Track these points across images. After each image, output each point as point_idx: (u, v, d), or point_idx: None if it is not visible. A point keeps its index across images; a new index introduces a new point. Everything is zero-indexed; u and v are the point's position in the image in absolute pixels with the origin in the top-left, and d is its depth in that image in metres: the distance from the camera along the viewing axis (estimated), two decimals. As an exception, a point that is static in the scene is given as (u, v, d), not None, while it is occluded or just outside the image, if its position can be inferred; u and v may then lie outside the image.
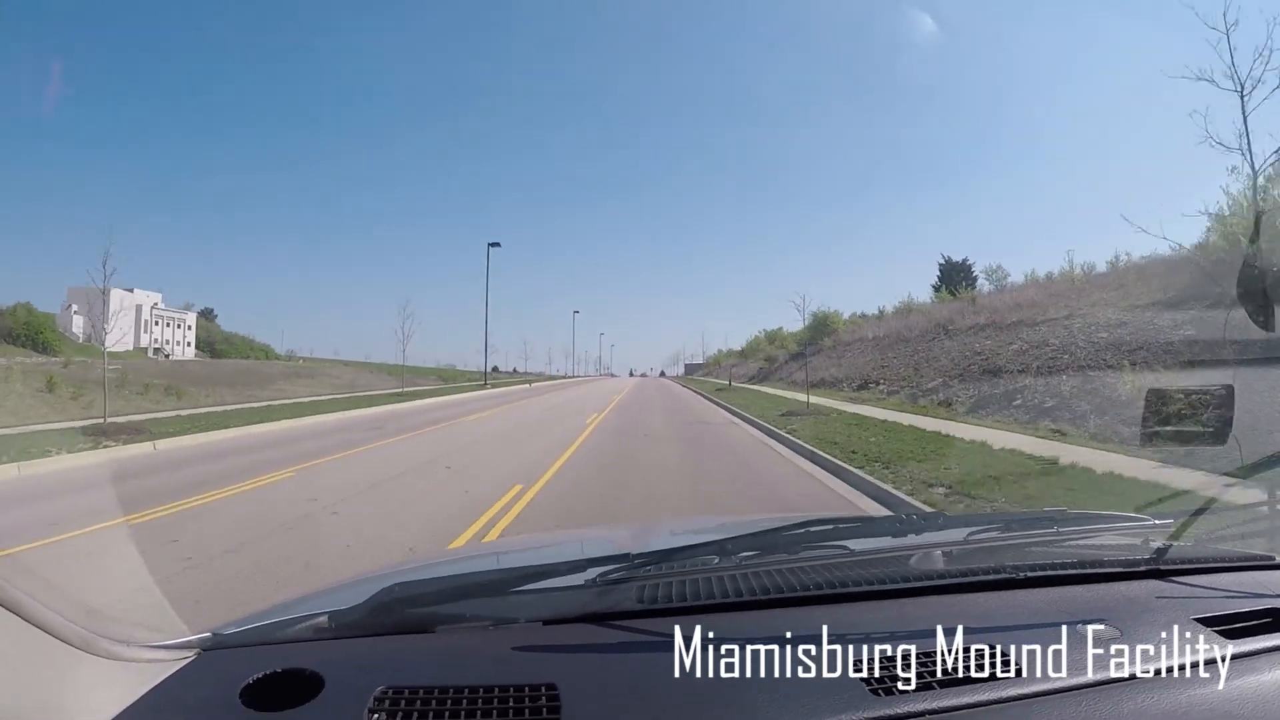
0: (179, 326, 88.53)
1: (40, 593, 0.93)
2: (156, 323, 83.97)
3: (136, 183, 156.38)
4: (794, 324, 72.67)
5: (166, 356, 73.70)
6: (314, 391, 40.39)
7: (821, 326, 42.62)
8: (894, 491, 7.76)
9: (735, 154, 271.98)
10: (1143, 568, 1.43)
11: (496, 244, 46.78)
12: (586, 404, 27.12)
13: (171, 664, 1.03)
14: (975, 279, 40.38)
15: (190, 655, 1.07)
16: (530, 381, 62.85)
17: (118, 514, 6.91)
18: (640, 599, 1.21)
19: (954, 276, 41.65)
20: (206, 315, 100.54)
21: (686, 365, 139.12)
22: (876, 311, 44.61)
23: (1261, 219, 10.31)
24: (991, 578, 1.33)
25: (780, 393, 31.49)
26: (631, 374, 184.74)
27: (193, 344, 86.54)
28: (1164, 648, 1.09)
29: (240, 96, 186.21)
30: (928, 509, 6.21)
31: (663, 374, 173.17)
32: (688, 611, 1.18)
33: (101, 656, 0.95)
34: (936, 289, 40.68)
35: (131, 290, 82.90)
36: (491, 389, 43.07)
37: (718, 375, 67.54)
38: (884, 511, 7.17)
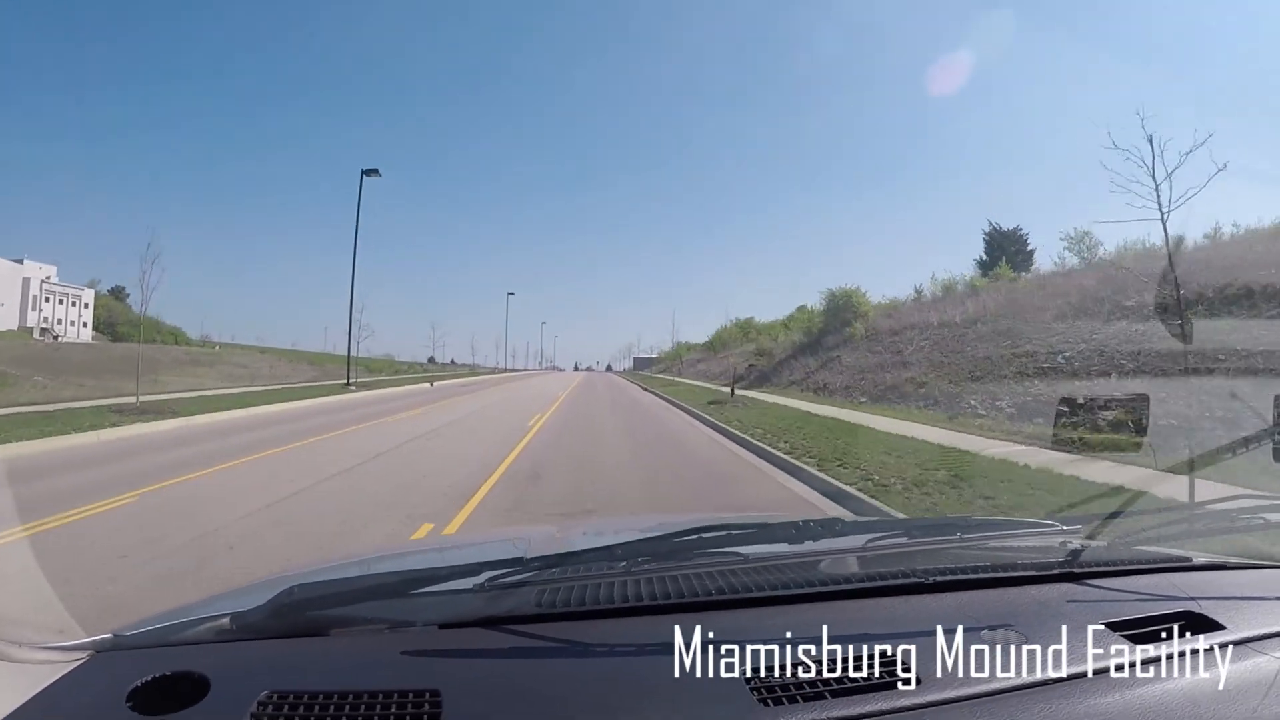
0: (74, 304, 78.68)
1: None
2: (48, 299, 74.67)
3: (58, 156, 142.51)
4: (777, 311, 66.57)
5: (55, 338, 65.79)
6: (193, 382, 34.43)
7: (840, 311, 31.11)
8: None
9: (695, 130, 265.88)
10: (1055, 571, 1.38)
11: (373, 171, 29.77)
12: (476, 439, 12.77)
13: (64, 665, 1.00)
14: (1031, 251, 33.10)
15: (84, 657, 1.04)
16: (432, 380, 43.57)
17: None
18: (538, 604, 1.18)
19: (1004, 248, 33.74)
20: (117, 294, 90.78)
21: (636, 359, 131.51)
22: (914, 293, 31.86)
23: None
24: (895, 583, 1.29)
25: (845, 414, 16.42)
26: (577, 368, 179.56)
27: (90, 324, 77.61)
28: (1070, 653, 1.06)
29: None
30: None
31: (609, 368, 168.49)
32: (582, 617, 1.17)
33: None
34: (984, 264, 33.53)
35: (20, 261, 74.73)
36: (357, 393, 26.94)
37: (679, 372, 60.06)
38: None
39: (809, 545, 1.44)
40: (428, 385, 38.47)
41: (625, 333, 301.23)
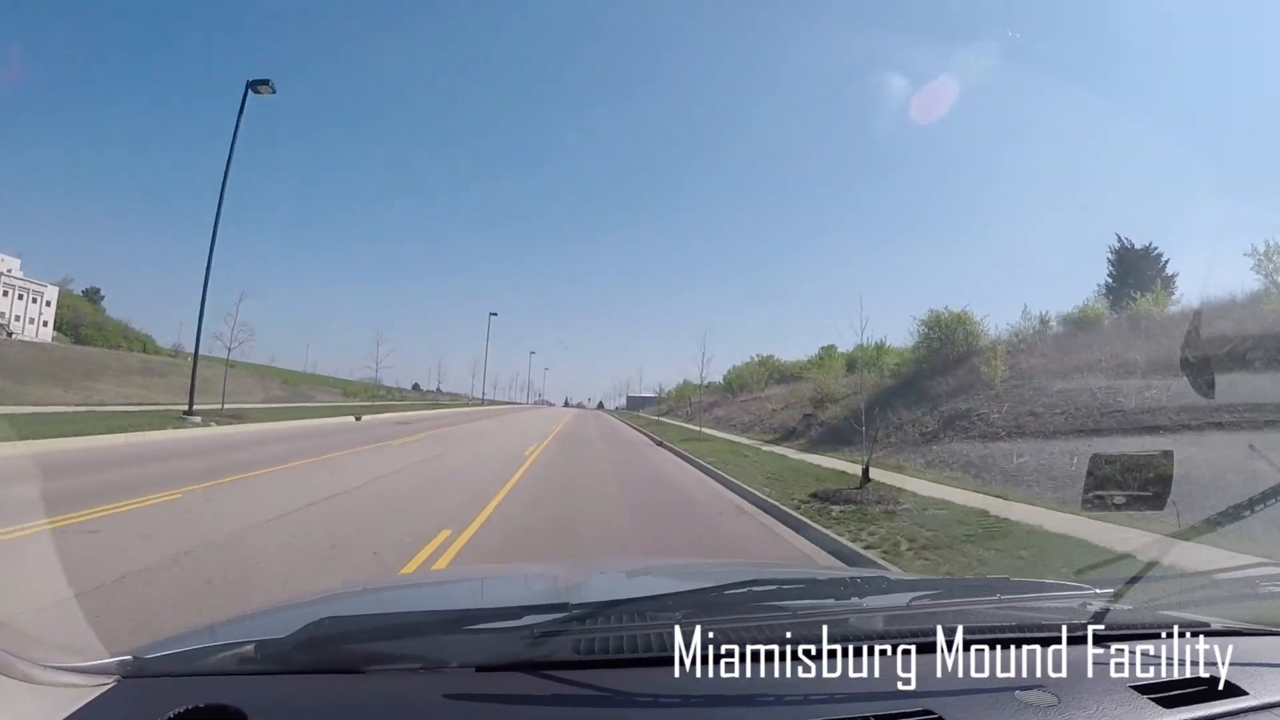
0: (35, 301, 72.32)
1: None
2: (6, 293, 68.68)
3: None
4: (795, 352, 56.23)
5: (10, 334, 60.01)
6: (130, 394, 30.81)
7: (947, 343, 22.57)
8: None
9: (701, 166, 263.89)
10: (1080, 632, 1.38)
11: (264, 85, 19.68)
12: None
13: (89, 690, 0.98)
14: (1171, 277, 25.53)
15: (109, 682, 1.02)
16: (359, 414, 30.73)
17: None
18: (577, 650, 1.15)
19: (1137, 269, 26.90)
20: (90, 296, 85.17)
21: (630, 398, 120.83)
22: (1039, 319, 22.74)
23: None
24: (930, 640, 1.27)
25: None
26: (568, 404, 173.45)
27: (50, 323, 71.56)
28: (1102, 716, 1.07)
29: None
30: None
31: (600, 406, 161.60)
32: (626, 664, 1.15)
33: (16, 679, 0.92)
34: (1110, 290, 27.00)
35: (-20, 252, 69.91)
36: (197, 431, 17.48)
37: (688, 415, 50.18)
38: None
39: (854, 601, 1.43)
40: (352, 419, 28.29)
41: (618, 369, 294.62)
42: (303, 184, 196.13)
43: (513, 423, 37.49)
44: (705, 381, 51.86)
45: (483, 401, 76.96)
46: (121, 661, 1.05)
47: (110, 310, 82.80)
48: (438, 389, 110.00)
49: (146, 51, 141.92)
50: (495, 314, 71.92)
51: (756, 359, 53.55)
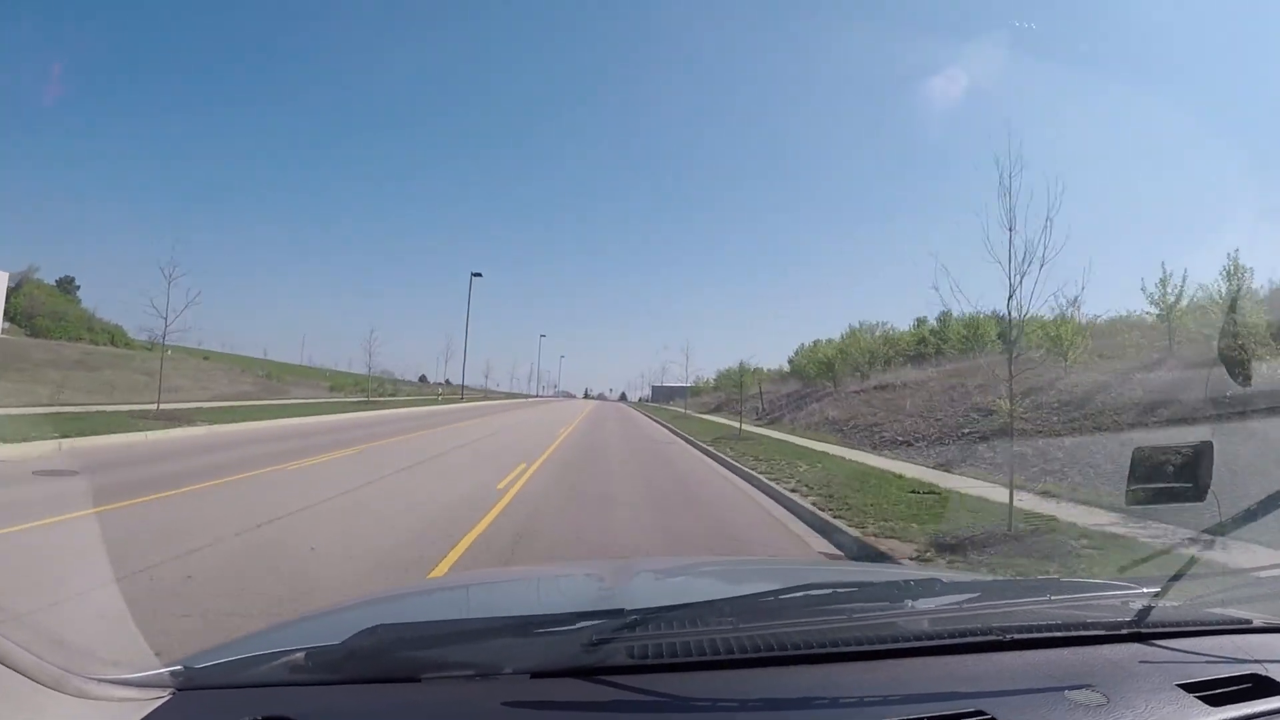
0: (-21, 290, 64.71)
1: (11, 628, 0.89)
2: (-47, 281, 61.03)
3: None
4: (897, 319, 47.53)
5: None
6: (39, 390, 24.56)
7: None
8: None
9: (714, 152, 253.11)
10: (1125, 630, 1.39)
11: None
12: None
13: (144, 704, 0.97)
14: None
15: (163, 695, 1.01)
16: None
17: None
18: (631, 654, 1.13)
19: None
20: (64, 286, 77.37)
21: (656, 389, 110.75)
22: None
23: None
24: (979, 639, 1.29)
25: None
26: (588, 396, 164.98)
27: (-1, 313, 64.10)
28: (1150, 715, 1.07)
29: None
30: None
31: (623, 397, 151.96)
32: (681, 669, 1.13)
33: (71, 695, 0.91)
34: None
35: (-79, 233, 62.35)
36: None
37: (765, 414, 38.03)
38: None
39: (908, 605, 1.41)
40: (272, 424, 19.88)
41: (640, 358, 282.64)
42: (304, 170, 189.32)
43: (519, 420, 28.93)
44: (689, 376, 42.23)
45: (461, 395, 55.40)
46: (174, 673, 1.05)
47: (94, 302, 75.09)
48: (445, 381, 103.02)
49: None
50: (479, 274, 53.46)
51: (859, 327, 39.30)
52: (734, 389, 44.99)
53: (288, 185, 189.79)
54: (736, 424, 26.43)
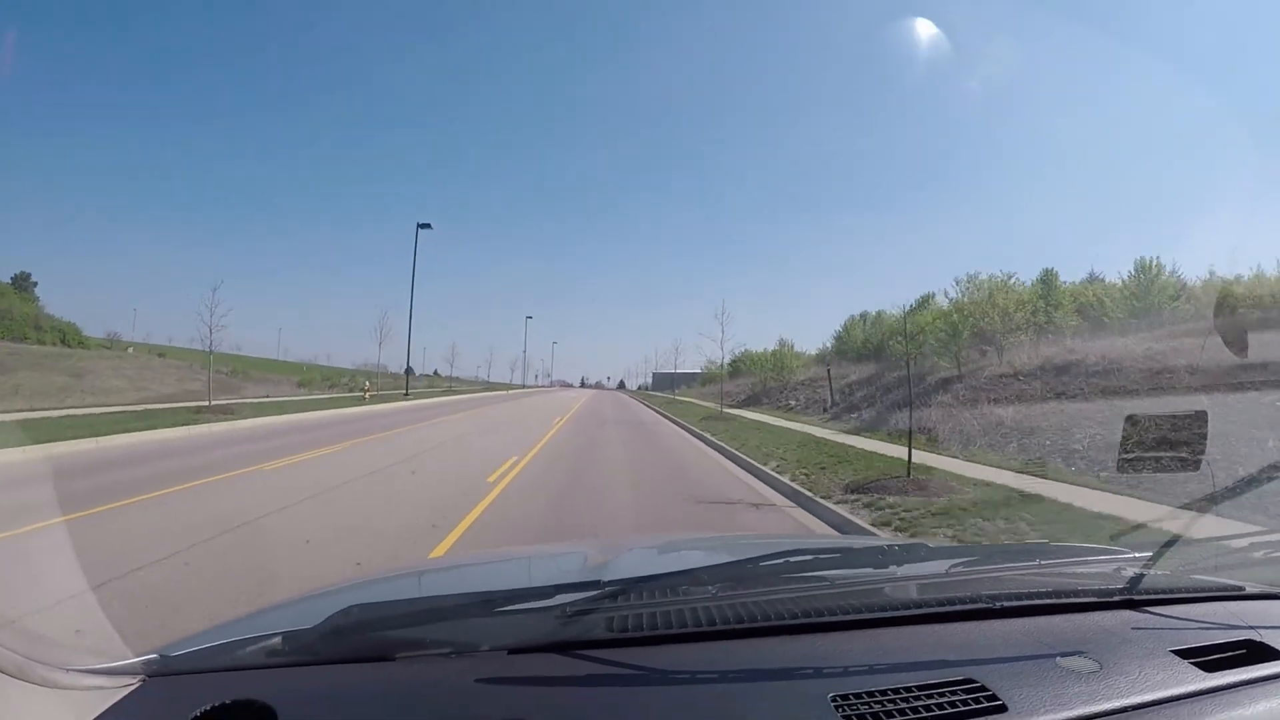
0: (-94, 289, 58.73)
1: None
2: None
3: None
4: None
5: None
6: None
7: None
8: None
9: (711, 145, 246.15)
10: (1118, 597, 1.37)
11: None
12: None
13: (114, 691, 0.93)
14: None
15: (134, 682, 0.97)
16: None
17: None
18: (610, 628, 1.11)
19: None
20: (19, 284, 71.77)
21: (657, 375, 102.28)
22: None
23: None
24: (968, 607, 1.26)
25: None
26: (584, 384, 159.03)
27: (-74, 312, 58.13)
28: (1145, 682, 1.05)
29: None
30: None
31: (621, 385, 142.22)
32: (660, 641, 1.11)
33: (37, 684, 0.88)
34: None
35: None
36: None
37: (770, 400, 32.76)
38: None
39: (892, 570, 1.38)
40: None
41: (639, 345, 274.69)
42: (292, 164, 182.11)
43: (495, 417, 22.94)
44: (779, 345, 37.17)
45: (406, 392, 40.29)
46: (147, 661, 1.02)
47: (67, 303, 69.63)
48: (434, 373, 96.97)
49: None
50: (427, 225, 38.43)
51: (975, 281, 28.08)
52: (770, 374, 35.94)
53: (298, 185, 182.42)
54: (820, 429, 18.11)
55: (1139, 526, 5.97)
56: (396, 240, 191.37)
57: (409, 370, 42.35)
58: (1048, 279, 28.84)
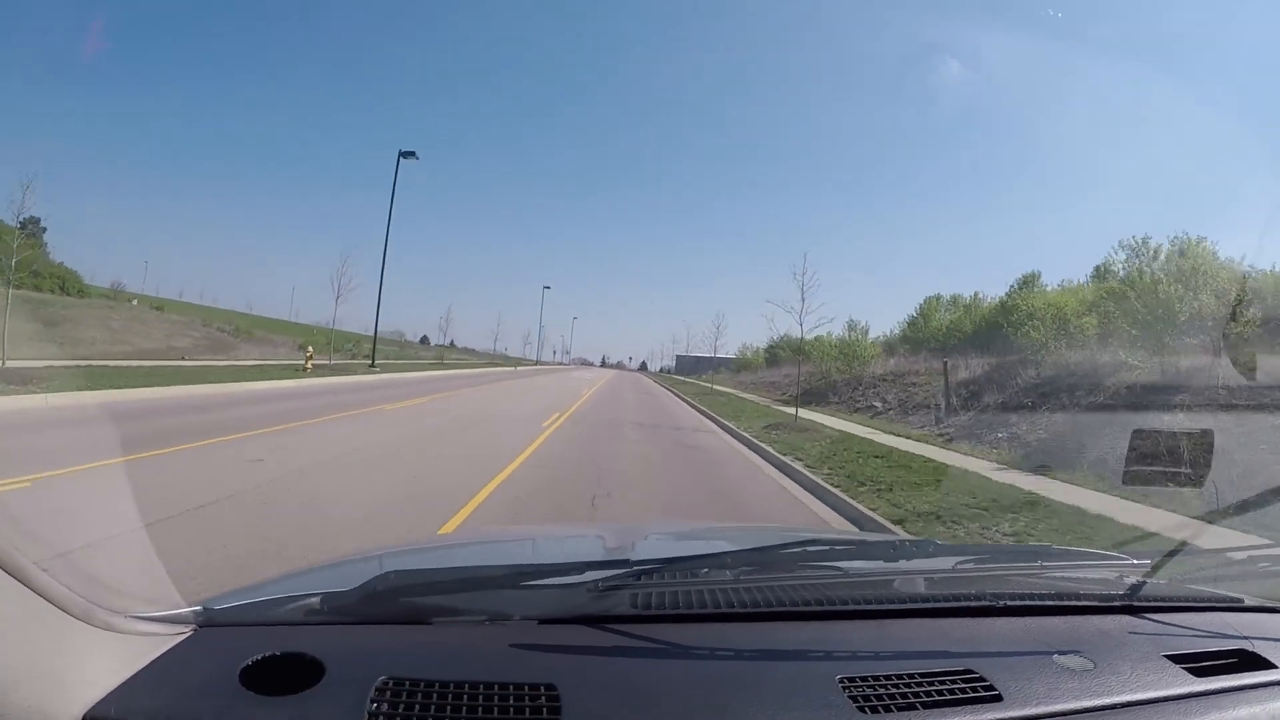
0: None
1: (46, 560, 0.91)
2: None
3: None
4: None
5: None
6: None
7: None
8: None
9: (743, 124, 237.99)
10: (1117, 603, 1.41)
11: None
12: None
13: (167, 639, 0.99)
14: None
15: (186, 631, 1.03)
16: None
17: None
18: (634, 604, 1.16)
19: None
20: (28, 227, 68.36)
21: (680, 358, 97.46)
22: None
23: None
24: (973, 604, 1.30)
25: None
26: (605, 364, 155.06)
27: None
28: (1136, 682, 1.08)
29: None
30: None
31: (643, 367, 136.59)
32: (683, 620, 1.16)
33: (99, 628, 0.93)
34: None
35: None
36: None
37: (838, 399, 25.73)
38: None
39: (902, 564, 1.40)
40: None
41: (661, 326, 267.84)
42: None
43: (486, 400, 18.31)
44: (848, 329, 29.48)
45: (372, 362, 30.79)
46: (196, 612, 1.06)
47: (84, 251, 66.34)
48: (450, 343, 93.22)
49: None
50: (412, 154, 29.47)
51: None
52: (838, 364, 28.35)
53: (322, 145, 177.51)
54: (995, 467, 11.15)
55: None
56: (420, 204, 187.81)
57: (376, 337, 32.92)
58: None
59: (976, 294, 33.18)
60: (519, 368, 62.25)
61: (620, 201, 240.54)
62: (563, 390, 27.69)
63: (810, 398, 26.27)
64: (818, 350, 30.28)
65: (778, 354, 48.03)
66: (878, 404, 22.41)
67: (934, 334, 31.51)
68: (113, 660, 0.90)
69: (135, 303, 52.43)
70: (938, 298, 36.04)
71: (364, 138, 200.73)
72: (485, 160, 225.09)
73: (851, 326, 32.71)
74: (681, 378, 67.08)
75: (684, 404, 26.91)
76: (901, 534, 5.70)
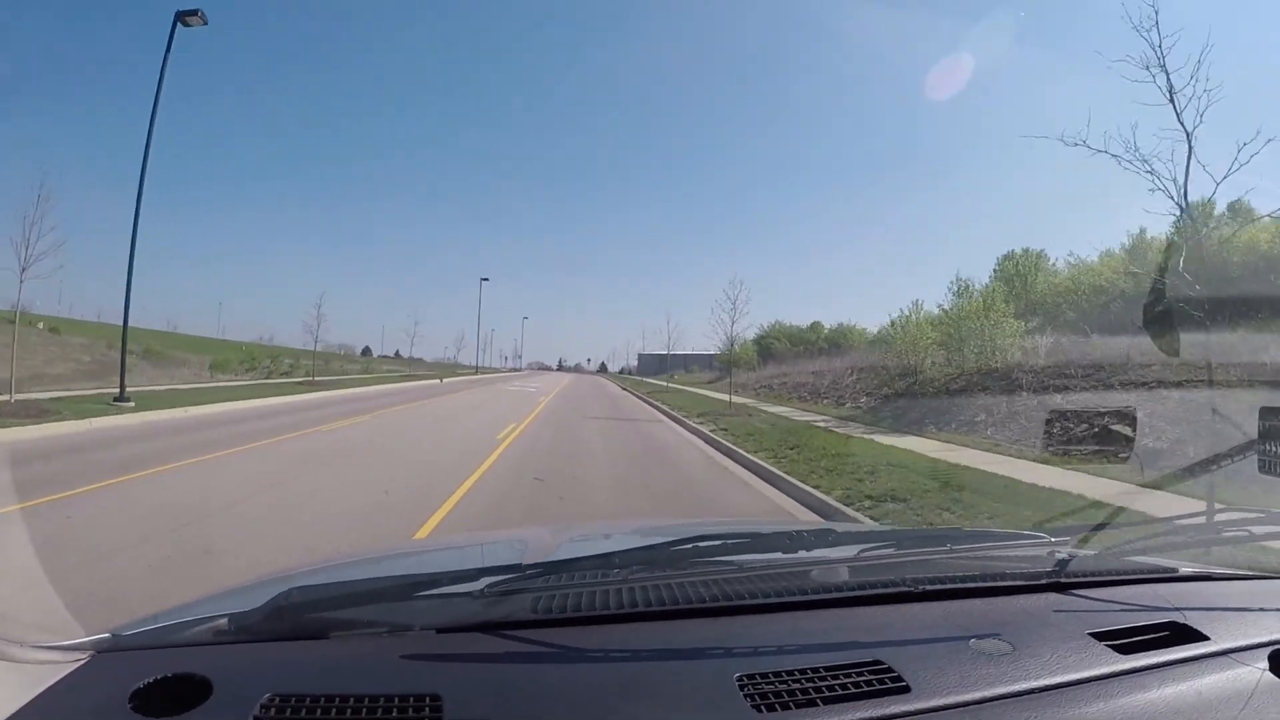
0: None
1: None
2: None
3: None
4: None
5: None
6: None
7: None
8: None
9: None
10: (1043, 580, 1.37)
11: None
12: None
13: (64, 666, 0.98)
14: None
15: (84, 657, 1.02)
16: None
17: None
18: (534, 610, 1.16)
19: None
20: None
21: (642, 356, 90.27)
22: None
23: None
24: (887, 590, 1.28)
25: None
26: (562, 367, 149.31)
27: None
28: (1056, 664, 1.06)
29: None
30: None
31: (603, 368, 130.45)
32: (578, 622, 1.15)
33: None
34: None
35: None
36: None
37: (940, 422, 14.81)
38: None
39: (802, 554, 1.33)
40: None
41: (619, 324, 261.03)
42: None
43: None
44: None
45: (119, 395, 14.79)
46: (98, 639, 1.06)
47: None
48: (396, 353, 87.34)
49: None
50: (195, 13, 14.49)
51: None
52: (896, 355, 20.77)
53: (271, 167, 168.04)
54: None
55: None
56: (357, 218, 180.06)
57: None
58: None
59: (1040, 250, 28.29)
60: (455, 378, 49.83)
61: (575, 197, 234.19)
62: (504, 406, 21.09)
63: (888, 412, 17.95)
64: (904, 336, 20.74)
65: (771, 346, 41.53)
66: (982, 417, 14.47)
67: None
68: (5, 689, 0.90)
69: (42, 325, 46.80)
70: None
71: (315, 143, 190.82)
72: (433, 162, 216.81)
73: (917, 306, 22.92)
74: (652, 380, 57.40)
75: (683, 429, 16.59)
76: (800, 523, 5.18)
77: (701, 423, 16.65)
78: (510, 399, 26.28)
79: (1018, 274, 26.56)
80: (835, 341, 39.37)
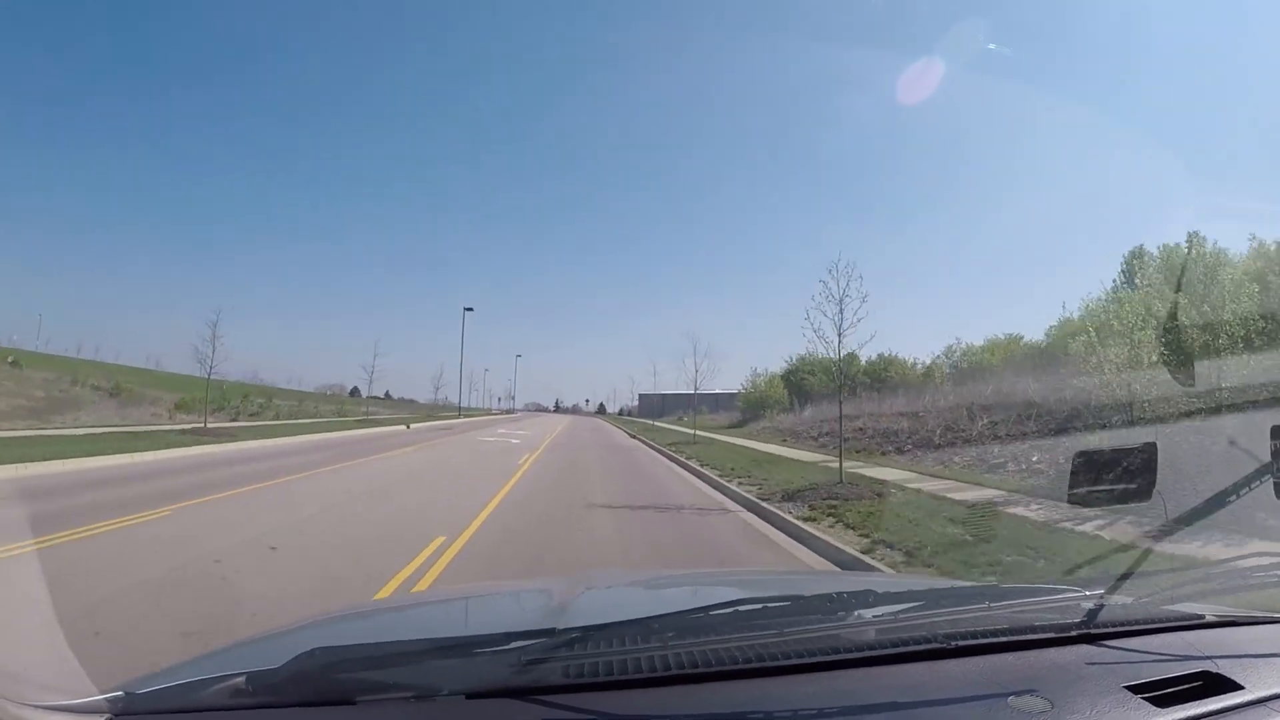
0: None
1: None
2: None
3: None
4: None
5: None
6: None
7: None
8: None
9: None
10: (1074, 632, 1.35)
11: None
12: None
13: None
14: None
15: None
16: None
17: None
18: (566, 674, 1.13)
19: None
20: None
21: (643, 397, 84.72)
22: None
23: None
24: (920, 648, 1.25)
25: None
26: (559, 408, 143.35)
27: None
28: (1095, 719, 1.05)
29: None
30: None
31: (601, 409, 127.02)
32: (613, 687, 1.13)
33: None
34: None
35: None
36: None
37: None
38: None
39: (840, 616, 1.35)
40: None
41: (620, 365, 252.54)
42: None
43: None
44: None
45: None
46: (112, 699, 1.03)
47: None
48: (386, 394, 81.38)
49: None
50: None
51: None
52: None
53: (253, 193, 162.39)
54: None
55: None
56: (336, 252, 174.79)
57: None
58: None
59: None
60: (431, 423, 43.20)
61: (572, 237, 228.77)
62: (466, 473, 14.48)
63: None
64: (1089, 349, 12.36)
65: (804, 382, 34.78)
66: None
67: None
68: None
69: (11, 360, 41.99)
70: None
71: (302, 179, 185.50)
72: (423, 202, 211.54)
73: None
74: (659, 424, 51.99)
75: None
76: (843, 578, 4.98)
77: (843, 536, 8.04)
78: (470, 464, 17.43)
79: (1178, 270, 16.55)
80: (877, 375, 33.36)
